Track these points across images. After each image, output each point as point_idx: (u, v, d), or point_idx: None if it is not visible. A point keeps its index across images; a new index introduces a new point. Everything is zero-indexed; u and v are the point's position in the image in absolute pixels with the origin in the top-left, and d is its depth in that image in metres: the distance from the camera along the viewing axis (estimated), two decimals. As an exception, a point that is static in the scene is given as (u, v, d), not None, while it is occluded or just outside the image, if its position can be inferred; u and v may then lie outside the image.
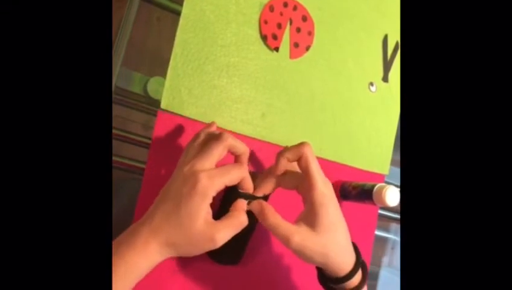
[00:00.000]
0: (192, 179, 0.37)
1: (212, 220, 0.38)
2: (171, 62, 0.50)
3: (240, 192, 0.40)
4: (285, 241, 0.38)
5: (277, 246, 0.53)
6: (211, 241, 0.37)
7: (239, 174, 0.39)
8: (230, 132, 0.52)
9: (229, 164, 0.40)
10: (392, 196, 0.48)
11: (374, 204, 0.49)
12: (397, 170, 0.74)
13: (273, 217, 0.39)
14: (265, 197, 0.42)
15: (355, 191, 0.53)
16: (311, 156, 0.40)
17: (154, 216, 0.38)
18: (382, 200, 0.47)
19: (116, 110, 0.55)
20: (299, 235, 0.38)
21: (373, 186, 0.49)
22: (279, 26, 0.55)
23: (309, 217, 0.39)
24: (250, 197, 0.41)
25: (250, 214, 0.40)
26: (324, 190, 0.39)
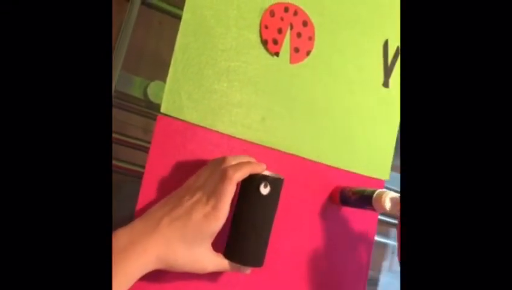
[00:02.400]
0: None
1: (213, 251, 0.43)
2: (172, 66, 0.50)
3: (257, 174, 0.44)
4: None
5: (290, 247, 0.53)
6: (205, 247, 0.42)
7: (258, 169, 0.44)
8: (230, 136, 0.52)
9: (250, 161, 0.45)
10: (391, 201, 0.47)
11: (374, 210, 0.49)
12: (398, 176, 0.73)
13: None
14: (281, 180, 0.46)
15: (354, 197, 0.52)
16: None
17: (161, 221, 0.40)
18: (382, 206, 0.47)
19: (116, 113, 0.55)
20: None
21: (373, 192, 0.49)
22: (280, 31, 0.55)
23: None
24: (267, 179, 0.44)
25: (264, 206, 0.44)
26: None
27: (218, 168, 0.43)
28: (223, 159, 0.44)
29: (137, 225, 0.40)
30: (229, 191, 0.40)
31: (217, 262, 0.43)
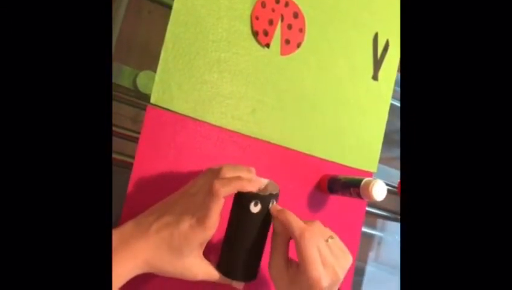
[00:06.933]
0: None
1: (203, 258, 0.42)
2: (162, 56, 0.49)
3: (247, 193, 0.41)
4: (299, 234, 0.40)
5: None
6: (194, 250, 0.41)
7: (248, 187, 0.41)
8: (220, 127, 0.52)
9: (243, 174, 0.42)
10: (379, 191, 0.48)
11: (361, 198, 0.50)
12: (385, 168, 0.75)
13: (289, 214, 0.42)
14: (274, 196, 0.43)
15: (343, 183, 0.53)
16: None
17: (151, 226, 0.40)
18: (369, 194, 0.48)
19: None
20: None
21: (361, 180, 0.50)
22: (271, 22, 0.55)
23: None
24: (257, 197, 0.41)
25: (261, 222, 0.42)
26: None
27: (211, 178, 0.41)
28: (218, 169, 0.42)
29: (128, 227, 0.40)
30: (215, 206, 0.39)
31: (208, 271, 0.42)
